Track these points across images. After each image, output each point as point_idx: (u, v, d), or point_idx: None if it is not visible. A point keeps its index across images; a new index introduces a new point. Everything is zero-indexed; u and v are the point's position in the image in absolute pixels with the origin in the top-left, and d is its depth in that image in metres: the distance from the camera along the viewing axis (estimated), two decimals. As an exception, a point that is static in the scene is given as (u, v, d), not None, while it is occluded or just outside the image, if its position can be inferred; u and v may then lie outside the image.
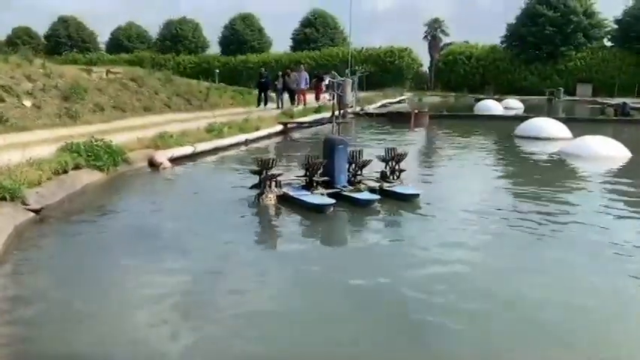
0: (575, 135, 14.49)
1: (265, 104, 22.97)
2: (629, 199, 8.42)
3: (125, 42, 65.36)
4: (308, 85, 24.25)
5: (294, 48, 58.24)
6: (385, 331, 3.97)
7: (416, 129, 19.49)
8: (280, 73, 24.00)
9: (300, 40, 57.57)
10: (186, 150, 11.71)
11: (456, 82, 49.11)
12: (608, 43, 47.58)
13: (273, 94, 23.28)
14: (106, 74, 19.15)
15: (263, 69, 26.88)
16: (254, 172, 7.51)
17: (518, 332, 3.98)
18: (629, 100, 28.64)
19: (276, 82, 23.11)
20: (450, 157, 13.31)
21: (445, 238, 6.09)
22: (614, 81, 43.19)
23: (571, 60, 46.08)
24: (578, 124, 18.01)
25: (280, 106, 22.33)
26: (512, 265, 5.39)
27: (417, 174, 9.97)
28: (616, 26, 46.61)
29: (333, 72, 30.40)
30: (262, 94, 23.29)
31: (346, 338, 3.87)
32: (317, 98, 25.53)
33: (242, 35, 59.29)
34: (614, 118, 23.73)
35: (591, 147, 12.56)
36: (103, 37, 68.63)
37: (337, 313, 4.24)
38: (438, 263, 5.28)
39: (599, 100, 36.05)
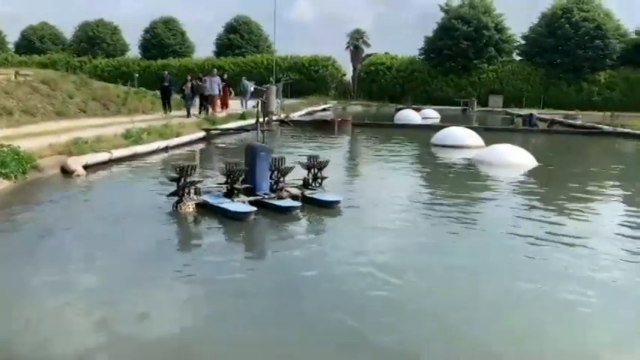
0: (487, 143, 15.28)
1: (170, 110, 21.38)
2: (533, 201, 9.04)
3: (37, 43, 61.72)
4: (221, 92, 23.11)
5: (217, 54, 57.48)
6: (306, 338, 4.01)
7: (339, 136, 19.84)
8: (189, 77, 22.64)
9: (224, 46, 56.93)
10: (102, 156, 11.24)
11: (377, 92, 50.37)
12: (517, 57, 50.72)
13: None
14: (15, 76, 18.01)
15: (166, 72, 24.78)
16: (172, 180, 7.35)
17: (434, 334, 4.15)
18: (535, 111, 30.67)
19: (183, 88, 21.82)
20: (371, 164, 13.68)
21: (365, 243, 6.24)
22: (523, 93, 46.02)
23: (484, 72, 48.64)
24: (490, 133, 19.03)
25: (190, 114, 20.78)
26: (429, 266, 5.60)
27: (340, 181, 10.14)
28: (524, 42, 49.79)
29: (244, 78, 30.23)
30: (166, 101, 21.75)
31: (262, 351, 3.87)
32: (224, 105, 24.23)
33: (163, 39, 57.77)
34: (523, 127, 25.31)
35: (501, 155, 13.31)
36: (12, 37, 64.46)
37: (256, 324, 4.20)
38: (359, 268, 5.39)
39: (509, 110, 38.27)
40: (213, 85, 22.18)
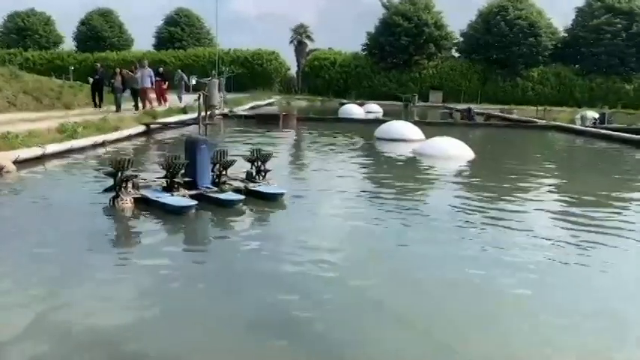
0: (428, 136, 15.65)
1: (100, 105, 20.36)
2: (472, 190, 9.36)
3: (-39, 33, 58.14)
4: (153, 85, 21.62)
5: (157, 47, 56.02)
6: (249, 333, 3.98)
7: (284, 130, 19.79)
8: (118, 69, 21.29)
9: (165, 39, 55.58)
10: (35, 152, 10.72)
11: (321, 87, 50.64)
12: (456, 54, 52.25)
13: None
14: None
15: (98, 65, 23.26)
16: (108, 174, 7.10)
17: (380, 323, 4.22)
18: (473, 106, 31.78)
19: (112, 80, 20.42)
20: (315, 157, 13.74)
21: (309, 235, 6.25)
22: (461, 88, 47.50)
23: (424, 68, 49.82)
24: (431, 127, 19.52)
25: (121, 108, 19.65)
26: (372, 257, 5.68)
27: (284, 173, 10.13)
28: (462, 38, 51.33)
29: (179, 70, 29.48)
30: (96, 94, 20.64)
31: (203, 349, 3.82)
32: (160, 99, 23.21)
33: (100, 32, 55.76)
34: (461, 121, 26.10)
35: (441, 147, 13.68)
36: None
37: (197, 322, 4.11)
38: (303, 259, 5.40)
39: (448, 105, 39.43)
40: (145, 77, 20.79)
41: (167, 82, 24.73)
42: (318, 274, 5.00)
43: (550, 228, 7.09)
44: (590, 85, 46.46)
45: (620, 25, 45.24)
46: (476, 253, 5.89)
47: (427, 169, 12.31)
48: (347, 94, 46.05)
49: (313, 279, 4.91)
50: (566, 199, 9.33)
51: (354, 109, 30.00)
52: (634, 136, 18.27)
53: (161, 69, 25.16)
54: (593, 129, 21.84)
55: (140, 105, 20.74)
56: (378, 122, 20.69)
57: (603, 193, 9.62)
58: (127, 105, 20.45)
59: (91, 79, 21.55)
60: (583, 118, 25.82)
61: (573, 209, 8.29)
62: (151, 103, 21.45)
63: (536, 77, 47.57)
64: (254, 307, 4.30)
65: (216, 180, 7.82)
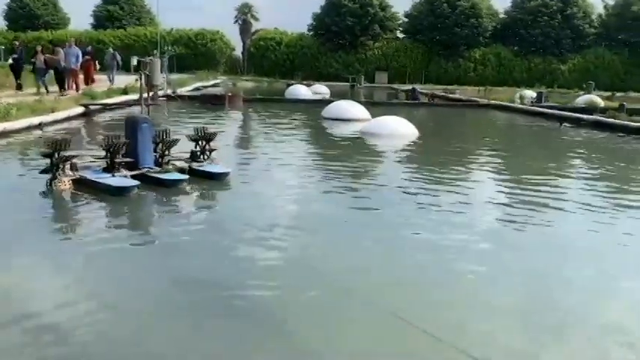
0: (374, 116, 15.80)
1: (20, 86, 18.58)
2: (416, 167, 9.56)
3: None
4: (79, 65, 19.55)
5: (95, 26, 53.62)
6: (192, 319, 3.93)
7: (230, 111, 19.49)
8: (39, 48, 19.16)
9: (103, 18, 53.19)
10: (-38, 135, 10.11)
11: (268, 68, 50.04)
12: (401, 35, 52.73)
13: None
14: None
15: (16, 43, 21.31)
16: (44, 155, 6.79)
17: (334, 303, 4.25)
18: (418, 86, 32.25)
19: (33, 60, 18.60)
20: (262, 137, 13.62)
21: (254, 214, 6.21)
22: (406, 69, 48.07)
23: (370, 49, 50.06)
24: (377, 107, 19.72)
25: (44, 90, 17.97)
26: (323, 238, 5.71)
27: (230, 153, 10.01)
28: (406, 19, 51.82)
29: (110, 49, 27.81)
30: (17, 75, 18.90)
31: (147, 336, 3.74)
32: (88, 80, 21.51)
33: (32, 9, 52.76)
34: (406, 101, 26.48)
35: (387, 126, 13.86)
36: None
37: (139, 309, 4.01)
38: (248, 238, 5.36)
39: (393, 86, 39.87)
40: (69, 57, 18.88)
41: (97, 62, 23.36)
42: (263, 253, 4.98)
43: (491, 197, 7.35)
44: (528, 66, 48.02)
45: (555, 8, 46.86)
46: (420, 221, 6.06)
47: (374, 147, 12.47)
48: (294, 74, 45.70)
49: (258, 257, 4.89)
50: (506, 172, 9.70)
51: (301, 90, 29.84)
52: (568, 113, 19.12)
53: (89, 48, 23.73)
54: (531, 107, 22.67)
55: (68, 87, 19.17)
56: (325, 102, 20.67)
57: (541, 165, 10.05)
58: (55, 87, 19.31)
59: (10, 59, 19.84)
60: (522, 98, 26.73)
61: (512, 181, 8.64)
62: (77, 85, 19.80)
63: (478, 58, 48.70)
64: (197, 287, 4.24)
65: (159, 160, 7.62)
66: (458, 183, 8.46)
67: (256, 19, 55.87)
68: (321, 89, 34.16)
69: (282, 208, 6.49)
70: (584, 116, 18.22)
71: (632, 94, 36.19)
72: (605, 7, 50.09)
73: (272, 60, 51.09)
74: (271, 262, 4.73)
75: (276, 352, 3.38)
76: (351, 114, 17.25)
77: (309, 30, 52.62)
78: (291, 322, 3.75)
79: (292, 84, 34.27)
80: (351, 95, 29.21)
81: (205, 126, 8.74)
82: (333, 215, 6.36)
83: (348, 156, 10.71)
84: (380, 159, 10.94)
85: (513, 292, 4.33)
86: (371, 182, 8.49)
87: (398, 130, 13.63)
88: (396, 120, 14.24)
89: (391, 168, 9.81)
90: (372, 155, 11.33)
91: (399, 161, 10.72)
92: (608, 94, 33.41)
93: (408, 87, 31.70)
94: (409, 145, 12.55)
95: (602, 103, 25.96)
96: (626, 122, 16.63)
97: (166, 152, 7.75)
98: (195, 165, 7.84)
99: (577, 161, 11.71)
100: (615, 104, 23.00)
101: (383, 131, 13.54)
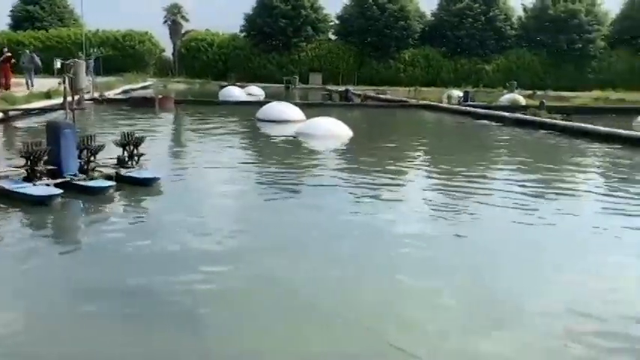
0: (309, 117, 15.87)
1: None
2: (350, 165, 9.69)
3: None
4: None
5: (14, 27, 50.70)
6: (115, 325, 3.79)
7: (161, 114, 18.99)
8: None
9: (22, 19, 50.39)
10: None
11: (200, 69, 49.19)
12: (333, 37, 53.29)
13: None
14: None
15: None
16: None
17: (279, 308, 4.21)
18: (351, 87, 32.72)
19: None
20: (194, 140, 13.38)
21: (185, 221, 6.06)
22: (339, 70, 48.66)
23: (303, 51, 50.31)
24: (311, 108, 19.81)
25: None
26: (257, 241, 5.66)
27: (161, 158, 9.72)
28: (338, 21, 52.45)
29: (27, 51, 26.05)
30: None
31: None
32: (4, 85, 20.31)
33: (-59, 8, 49.21)
34: (340, 102, 26.80)
35: (321, 127, 13.95)
36: None
37: (66, 321, 3.83)
38: (177, 249, 5.22)
39: (327, 87, 40.21)
40: None
41: (11, 64, 21.92)
42: (193, 260, 4.88)
43: (423, 193, 7.57)
44: (455, 67, 49.82)
45: (479, 10, 48.90)
46: (357, 217, 6.14)
47: (309, 147, 12.54)
48: (227, 76, 45.16)
49: (187, 264, 4.78)
50: (436, 168, 10.02)
51: (234, 92, 29.51)
52: (493, 111, 20.01)
53: (5, 49, 22.41)
54: (458, 106, 23.54)
55: None
56: (259, 104, 20.56)
57: (470, 161, 10.45)
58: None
59: None
60: (449, 97, 27.73)
61: (443, 176, 8.93)
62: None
63: (407, 59, 50.01)
64: (126, 296, 4.10)
65: (84, 167, 7.30)
66: (391, 180, 8.66)
67: (186, 20, 54.75)
68: (255, 91, 33.95)
69: (214, 213, 6.38)
70: (508, 114, 19.11)
71: (551, 92, 38.32)
72: (524, 9, 52.78)
73: (204, 61, 50.29)
74: (203, 268, 4.63)
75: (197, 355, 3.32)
76: (285, 115, 17.25)
77: (241, 31, 52.20)
78: (222, 327, 3.69)
79: (225, 85, 33.83)
80: (286, 97, 29.21)
81: (133, 130, 8.47)
82: (269, 217, 6.33)
83: (283, 157, 10.71)
84: (315, 159, 11.02)
85: (448, 285, 4.46)
86: (306, 182, 8.52)
87: (332, 131, 13.76)
88: (330, 121, 14.37)
89: (326, 168, 9.90)
90: (307, 156, 11.39)
91: (333, 161, 10.85)
92: (530, 92, 35.23)
93: (342, 88, 32.08)
94: (343, 146, 12.70)
95: (524, 101, 27.37)
96: (545, 119, 17.60)
97: (92, 159, 7.43)
98: (122, 171, 7.56)
99: (503, 157, 12.25)
100: (536, 102, 24.28)
101: (317, 132, 13.63)
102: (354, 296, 4.25)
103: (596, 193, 8.39)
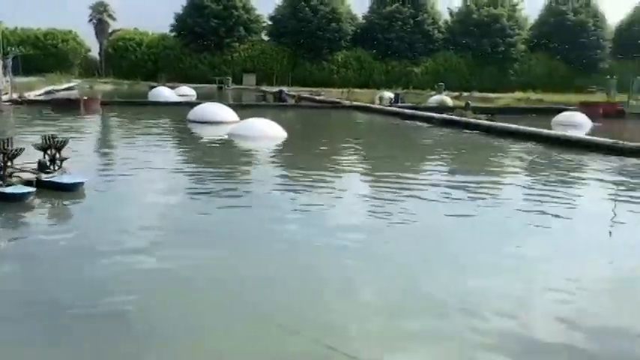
0: (243, 118, 15.73)
1: None
2: (284, 166, 9.70)
3: None
4: None
5: None
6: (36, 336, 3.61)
7: (86, 116, 18.22)
8: None
9: None
10: None
11: (128, 69, 47.67)
12: (266, 38, 53.15)
13: None
14: None
15: None
16: None
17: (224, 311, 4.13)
18: (285, 88, 32.78)
19: None
20: (122, 143, 12.93)
21: (110, 226, 5.83)
22: (273, 71, 48.61)
23: (236, 51, 49.86)
24: (245, 109, 19.64)
25: None
26: (186, 245, 5.54)
27: (86, 161, 9.32)
28: (270, 22, 52.35)
29: None
30: None
31: None
32: None
33: None
34: (274, 103, 26.77)
35: (255, 128, 13.86)
36: None
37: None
38: (102, 256, 5.02)
39: (261, 88, 40.07)
40: None
41: None
42: (117, 266, 4.73)
43: (357, 191, 7.69)
44: (386, 69, 51.02)
45: (407, 14, 50.31)
46: (290, 216, 6.15)
47: (242, 149, 12.44)
48: (157, 76, 43.98)
49: (111, 270, 4.62)
50: (369, 167, 10.22)
51: (165, 93, 28.81)
52: (422, 112, 20.65)
53: None
54: (389, 108, 24.09)
55: None
56: (191, 105, 20.17)
57: (400, 160, 10.74)
58: None
59: None
60: (381, 99, 28.35)
61: (375, 174, 9.12)
62: None
63: (340, 61, 50.71)
64: (43, 305, 3.91)
65: (1, 172, 6.88)
66: (325, 179, 8.73)
67: (113, 19, 52.91)
68: (187, 91, 33.30)
69: (141, 217, 6.17)
70: (436, 115, 19.76)
71: (477, 93, 40.02)
72: (450, 13, 54.85)
73: (132, 61, 48.79)
74: (126, 277, 4.49)
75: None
76: (218, 116, 17.01)
77: (171, 31, 51.03)
78: (151, 333, 3.59)
79: (156, 86, 32.96)
80: (219, 97, 28.82)
81: (56, 133, 8.08)
82: (199, 218, 6.22)
83: (215, 159, 10.57)
84: (248, 161, 10.95)
85: (382, 284, 4.55)
86: (239, 183, 8.43)
87: (266, 132, 13.70)
88: (264, 122, 14.30)
89: (260, 169, 9.86)
90: (241, 157, 11.30)
91: (267, 162, 10.81)
92: (456, 94, 36.64)
93: (276, 89, 32.07)
94: (277, 147, 12.68)
95: (451, 102, 28.42)
96: (470, 120, 18.34)
97: (9, 163, 7.01)
98: (44, 176, 7.18)
99: (431, 156, 12.63)
100: (462, 103, 25.27)
101: (251, 133, 13.53)
102: (280, 296, 4.25)
103: (518, 186, 8.88)
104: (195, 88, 35.35)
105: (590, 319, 4.01)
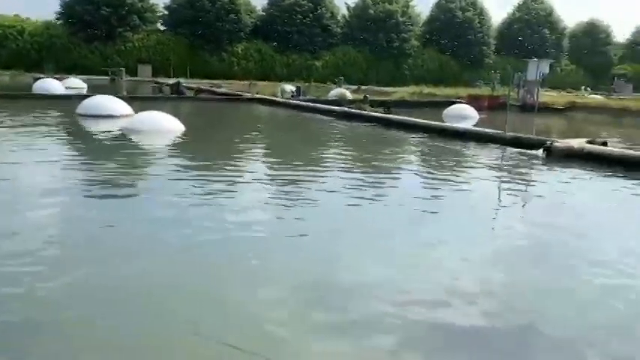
0: (137, 112, 15.09)
1: None
2: (182, 160, 9.44)
3: None
4: None
5: None
6: None
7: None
8: None
9: None
10: None
11: (8, 59, 43.85)
12: (162, 27, 51.24)
13: None
14: None
15: None
16: None
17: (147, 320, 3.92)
18: (183, 80, 31.84)
19: None
20: (1, 139, 11.89)
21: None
22: (170, 62, 46.98)
23: (130, 41, 47.59)
24: (140, 102, 18.84)
25: None
26: (76, 249, 5.24)
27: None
28: (166, 12, 50.53)
29: None
30: None
31: None
32: None
33: None
34: (171, 96, 25.92)
35: (150, 122, 13.35)
36: None
37: None
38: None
39: (158, 80, 38.61)
40: None
41: None
42: (10, 275, 4.39)
43: (259, 183, 7.68)
44: (287, 62, 51.24)
45: (306, 7, 50.79)
46: (190, 213, 6.02)
47: (137, 144, 11.96)
48: (43, 67, 40.90)
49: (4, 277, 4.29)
50: (272, 159, 10.24)
51: (52, 84, 26.90)
52: (323, 105, 21.01)
53: None
54: (290, 101, 24.24)
55: None
56: (81, 98, 18.97)
57: (303, 152, 10.85)
58: None
59: None
60: (282, 92, 28.43)
61: (278, 167, 9.16)
62: None
63: (241, 53, 50.17)
64: None
65: None
66: (226, 172, 8.63)
67: (-11, 4, 48.35)
68: (77, 83, 31.43)
69: (25, 219, 5.75)
70: (336, 108, 20.18)
71: (374, 87, 41.36)
72: (347, 8, 56.16)
73: (13, 50, 45.04)
74: (19, 284, 4.18)
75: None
76: (111, 110, 16.19)
77: (57, 18, 47.63)
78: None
79: (41, 77, 30.68)
80: (112, 90, 27.41)
81: None
82: (92, 217, 5.90)
83: (107, 154, 10.04)
84: (143, 156, 10.55)
85: (288, 276, 4.59)
86: (133, 179, 8.10)
87: (162, 126, 13.25)
88: (161, 115, 13.82)
89: (156, 164, 9.54)
90: (135, 152, 10.85)
91: (163, 156, 10.47)
92: (355, 87, 37.64)
93: (173, 81, 31.04)
94: (175, 140, 12.32)
95: (350, 95, 29.16)
96: (369, 112, 18.93)
97: None
98: None
99: (333, 148, 12.91)
100: (360, 96, 26.01)
101: (146, 127, 13.02)
102: (183, 292, 4.17)
103: (413, 175, 9.34)
104: (85, 80, 33.34)
105: (485, 298, 4.33)
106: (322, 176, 8.79)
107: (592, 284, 4.69)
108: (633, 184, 9.30)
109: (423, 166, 10.97)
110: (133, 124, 13.36)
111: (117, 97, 17.98)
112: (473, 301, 4.21)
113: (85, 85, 31.01)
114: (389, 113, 18.60)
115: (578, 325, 3.95)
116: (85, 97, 18.53)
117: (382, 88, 39.70)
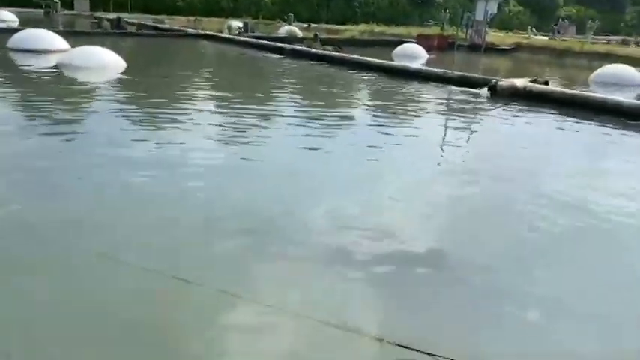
0: (75, 47, 14.28)
1: None
2: (123, 96, 9.09)
3: None
4: None
5: None
6: None
7: None
8: None
9: None
10: None
11: None
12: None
13: None
14: None
15: None
16: None
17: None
18: (125, 15, 30.19)
19: None
20: None
21: None
22: (109, -4, 44.20)
23: (64, -29, 44.27)
24: (78, 37, 17.78)
25: None
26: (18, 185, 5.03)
27: None
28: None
29: None
30: None
31: None
32: None
33: None
34: (112, 31, 24.56)
35: (89, 57, 12.68)
36: None
37: None
38: None
39: (96, 14, 36.34)
40: None
41: None
42: None
43: (207, 122, 7.50)
44: (234, -4, 49.16)
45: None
46: (137, 152, 5.85)
47: (75, 80, 11.39)
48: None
49: None
50: (219, 98, 10.03)
51: (-22, 17, 24.98)
52: (272, 43, 20.48)
53: None
54: (238, 37, 23.47)
55: None
56: (11, 31, 17.71)
57: (251, 90, 10.65)
58: None
59: None
60: (229, 28, 27.40)
61: (226, 105, 8.99)
62: None
63: (184, -13, 47.70)
64: None
65: None
66: (172, 110, 8.34)
67: None
68: (7, 16, 29.25)
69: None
70: (286, 45, 19.70)
71: (325, 25, 40.54)
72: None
73: None
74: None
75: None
76: (45, 44, 15.23)
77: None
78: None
79: (-36, 10, 28.37)
80: (47, 23, 25.69)
81: None
82: (30, 160, 5.64)
83: (42, 91, 9.54)
84: (81, 92, 10.02)
85: (239, 218, 4.57)
86: (72, 115, 7.74)
87: (102, 61, 12.62)
88: (100, 50, 13.13)
89: (95, 99, 9.14)
90: (72, 89, 10.33)
91: (103, 93, 10.00)
92: (305, 25, 36.76)
93: (113, 16, 29.37)
94: (115, 76, 11.79)
95: (300, 33, 28.50)
96: (319, 51, 18.60)
97: None
98: None
99: (283, 87, 12.69)
100: (311, 34, 25.46)
101: (84, 63, 12.37)
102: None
103: (364, 113, 9.37)
104: (17, 13, 31.04)
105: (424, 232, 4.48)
106: (274, 115, 8.65)
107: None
108: (567, 120, 9.74)
109: (370, 105, 10.98)
110: (70, 59, 12.65)
111: (52, 31, 16.90)
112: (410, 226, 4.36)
113: (16, 19, 28.93)
114: (339, 52, 18.34)
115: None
116: (17, 30, 17.34)
117: (333, 27, 38.97)
